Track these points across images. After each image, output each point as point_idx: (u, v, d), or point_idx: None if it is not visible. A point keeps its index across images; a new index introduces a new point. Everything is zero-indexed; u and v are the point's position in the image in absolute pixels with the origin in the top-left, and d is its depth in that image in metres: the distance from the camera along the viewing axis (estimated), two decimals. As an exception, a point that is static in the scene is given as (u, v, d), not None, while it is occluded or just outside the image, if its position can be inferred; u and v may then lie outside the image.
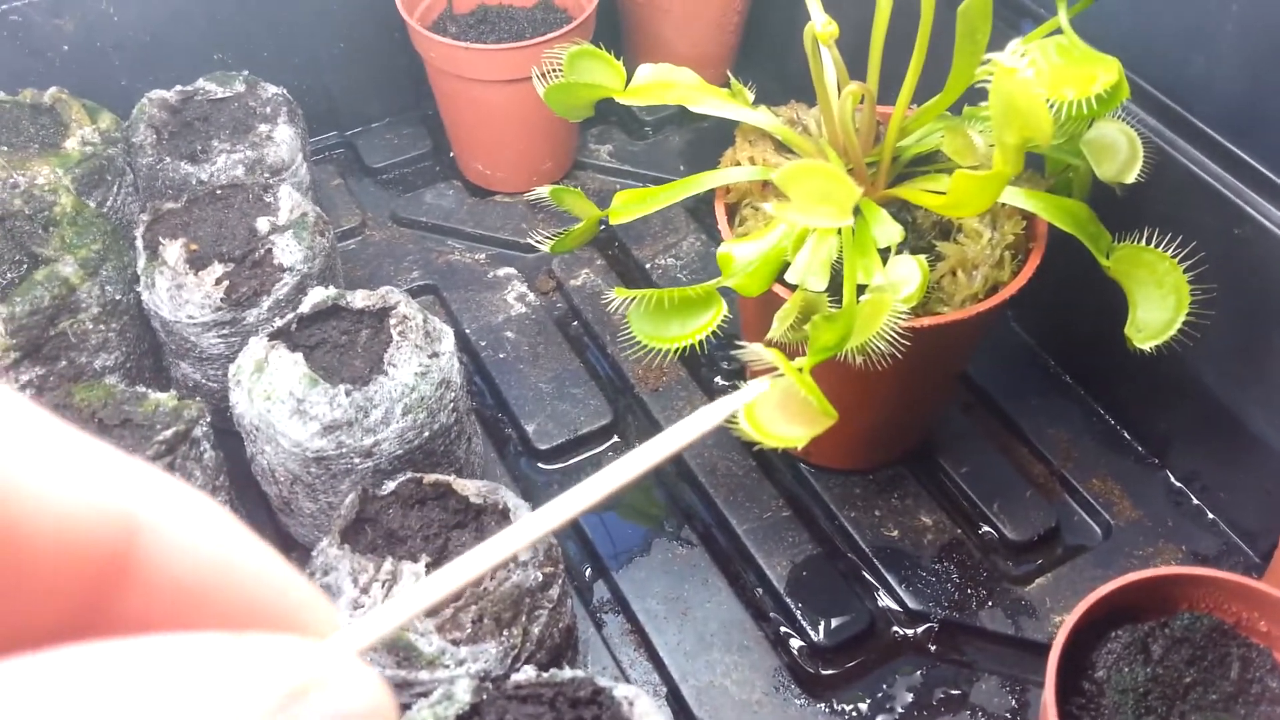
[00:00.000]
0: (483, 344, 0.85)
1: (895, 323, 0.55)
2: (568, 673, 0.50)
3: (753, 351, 0.51)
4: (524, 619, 0.57)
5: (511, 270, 0.90)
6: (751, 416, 0.50)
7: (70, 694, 0.11)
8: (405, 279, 0.90)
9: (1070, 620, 0.52)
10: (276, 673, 0.13)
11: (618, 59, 0.67)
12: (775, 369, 0.50)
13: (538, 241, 0.69)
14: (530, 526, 0.19)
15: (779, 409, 0.50)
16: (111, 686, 0.11)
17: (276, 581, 0.15)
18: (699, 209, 0.93)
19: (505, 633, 0.56)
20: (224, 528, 0.15)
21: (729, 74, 0.71)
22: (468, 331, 0.85)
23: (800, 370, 0.51)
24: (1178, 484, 0.76)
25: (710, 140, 0.99)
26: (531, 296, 0.88)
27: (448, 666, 0.54)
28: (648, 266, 0.90)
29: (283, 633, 0.14)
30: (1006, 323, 0.85)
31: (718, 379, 0.83)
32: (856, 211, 0.61)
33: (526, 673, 0.51)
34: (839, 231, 0.59)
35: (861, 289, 0.59)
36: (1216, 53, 0.66)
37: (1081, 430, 0.79)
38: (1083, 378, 0.81)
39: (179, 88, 0.83)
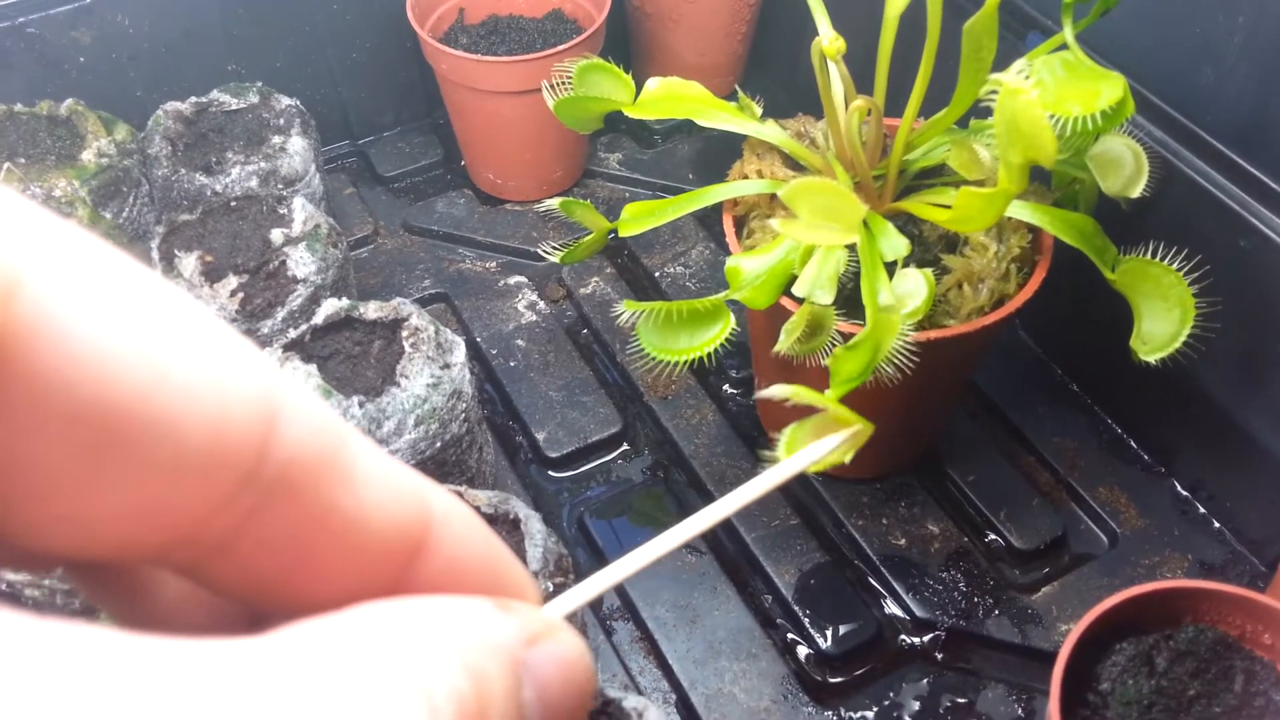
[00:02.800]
0: (494, 352, 0.85)
1: (903, 340, 0.56)
2: (578, 683, 0.51)
3: (780, 391, 0.51)
4: (534, 629, 0.58)
5: (522, 278, 0.91)
6: (793, 448, 0.49)
7: (402, 624, 0.17)
8: (417, 287, 0.90)
9: (1075, 633, 0.53)
10: (521, 624, 0.18)
11: (626, 68, 0.68)
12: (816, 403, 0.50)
13: (547, 252, 0.70)
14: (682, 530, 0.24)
15: (815, 435, 0.50)
16: (426, 623, 0.17)
17: (505, 561, 0.21)
18: (708, 217, 0.94)
19: (516, 643, 0.57)
20: (475, 519, 0.21)
21: (737, 88, 0.72)
22: (479, 340, 0.86)
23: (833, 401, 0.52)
24: (1184, 493, 0.76)
25: (719, 149, 1.00)
26: (542, 305, 0.89)
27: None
28: (656, 275, 0.91)
29: (516, 599, 0.20)
30: (1014, 331, 0.85)
31: (726, 387, 0.84)
32: (864, 226, 0.61)
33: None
34: (847, 246, 0.60)
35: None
36: (1224, 65, 0.66)
37: (1088, 438, 0.79)
38: (1090, 386, 0.81)
39: (193, 99, 0.84)
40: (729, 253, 0.66)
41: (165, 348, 0.15)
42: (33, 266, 0.14)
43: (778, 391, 0.51)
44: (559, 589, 0.60)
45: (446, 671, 0.16)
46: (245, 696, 0.14)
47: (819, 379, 0.58)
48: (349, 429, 0.18)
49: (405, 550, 0.19)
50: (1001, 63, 0.59)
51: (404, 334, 0.67)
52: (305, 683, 0.14)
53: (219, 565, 0.17)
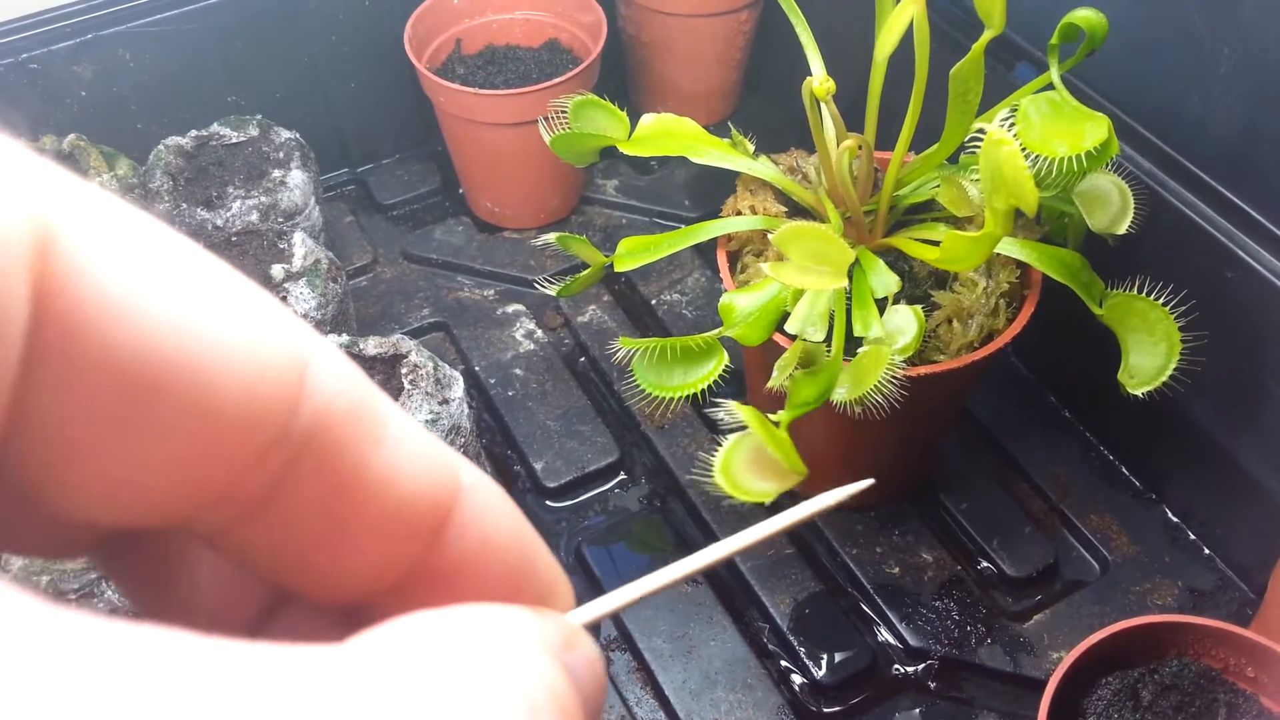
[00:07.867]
0: (492, 381, 0.86)
1: (893, 374, 0.57)
2: None
3: (726, 409, 0.53)
4: (532, 664, 0.59)
5: (520, 307, 0.92)
6: (725, 472, 0.52)
7: (474, 628, 0.16)
8: (416, 316, 0.91)
9: (1060, 668, 0.54)
10: (557, 629, 0.18)
11: (622, 96, 0.69)
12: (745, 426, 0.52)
13: (545, 286, 0.71)
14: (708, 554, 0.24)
15: (752, 464, 0.52)
16: (494, 626, 0.17)
17: (533, 541, 0.20)
18: (704, 245, 0.94)
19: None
20: (504, 495, 0.20)
21: (730, 124, 0.73)
22: (477, 369, 0.87)
23: (777, 425, 0.53)
24: (1175, 520, 0.77)
25: (715, 176, 1.00)
26: (540, 333, 0.90)
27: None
28: (653, 303, 0.91)
29: (541, 600, 0.20)
30: (1008, 359, 0.86)
31: (723, 416, 0.84)
32: (855, 263, 0.63)
33: None
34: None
35: (858, 340, 0.61)
36: (1211, 96, 0.67)
37: (1080, 466, 0.80)
38: (1082, 414, 0.82)
39: (194, 133, 0.85)
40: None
41: (197, 302, 0.15)
42: (66, 221, 0.14)
43: (726, 410, 0.53)
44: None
45: (536, 669, 0.16)
46: (350, 709, 0.13)
47: (814, 412, 0.59)
48: (377, 390, 0.18)
49: (435, 518, 0.18)
50: (992, 93, 0.60)
51: (403, 370, 0.68)
52: (409, 692, 0.14)
53: (250, 530, 0.17)
